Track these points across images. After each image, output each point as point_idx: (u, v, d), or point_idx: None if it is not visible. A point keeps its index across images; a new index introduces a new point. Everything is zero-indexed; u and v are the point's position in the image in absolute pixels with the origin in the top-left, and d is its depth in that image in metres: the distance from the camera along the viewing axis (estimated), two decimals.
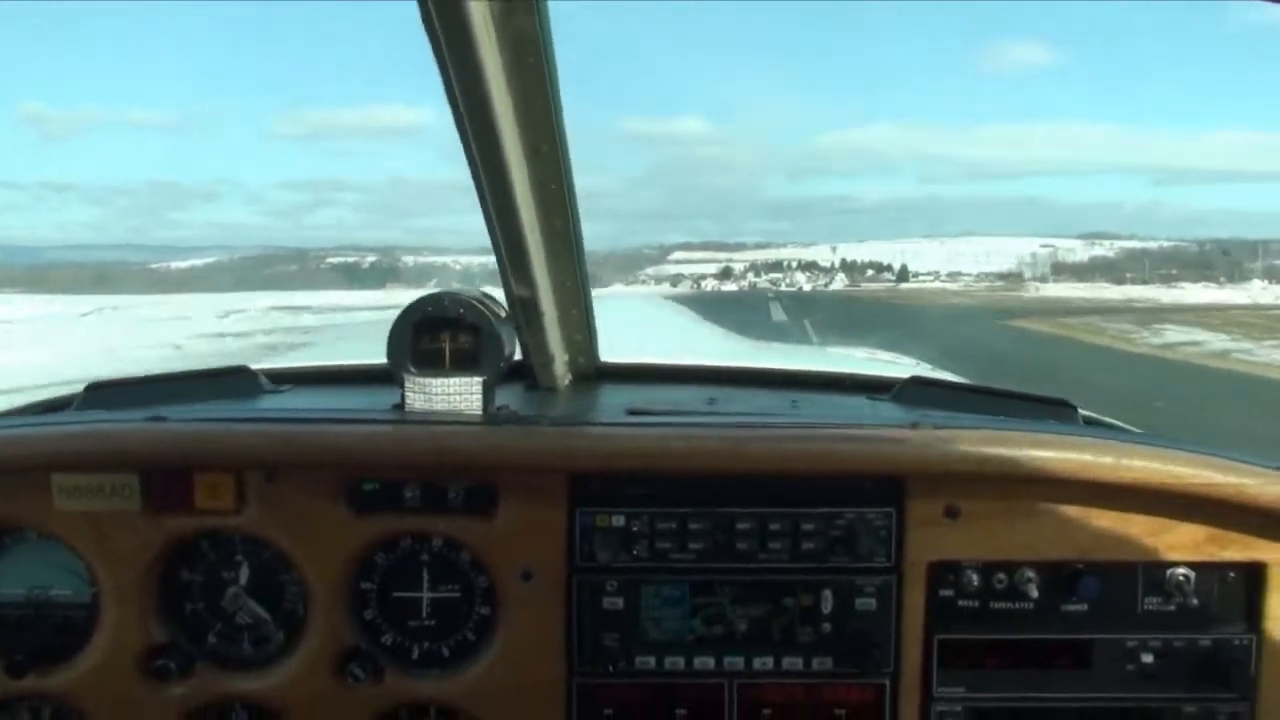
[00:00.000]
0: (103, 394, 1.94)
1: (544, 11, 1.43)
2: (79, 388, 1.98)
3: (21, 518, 1.63)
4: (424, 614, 1.66)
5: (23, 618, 1.65)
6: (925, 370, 2.67)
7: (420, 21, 1.36)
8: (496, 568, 1.62)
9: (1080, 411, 1.89)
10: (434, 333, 1.69)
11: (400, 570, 1.66)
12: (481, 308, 1.69)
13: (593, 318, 2.06)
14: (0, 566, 1.66)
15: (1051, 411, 1.86)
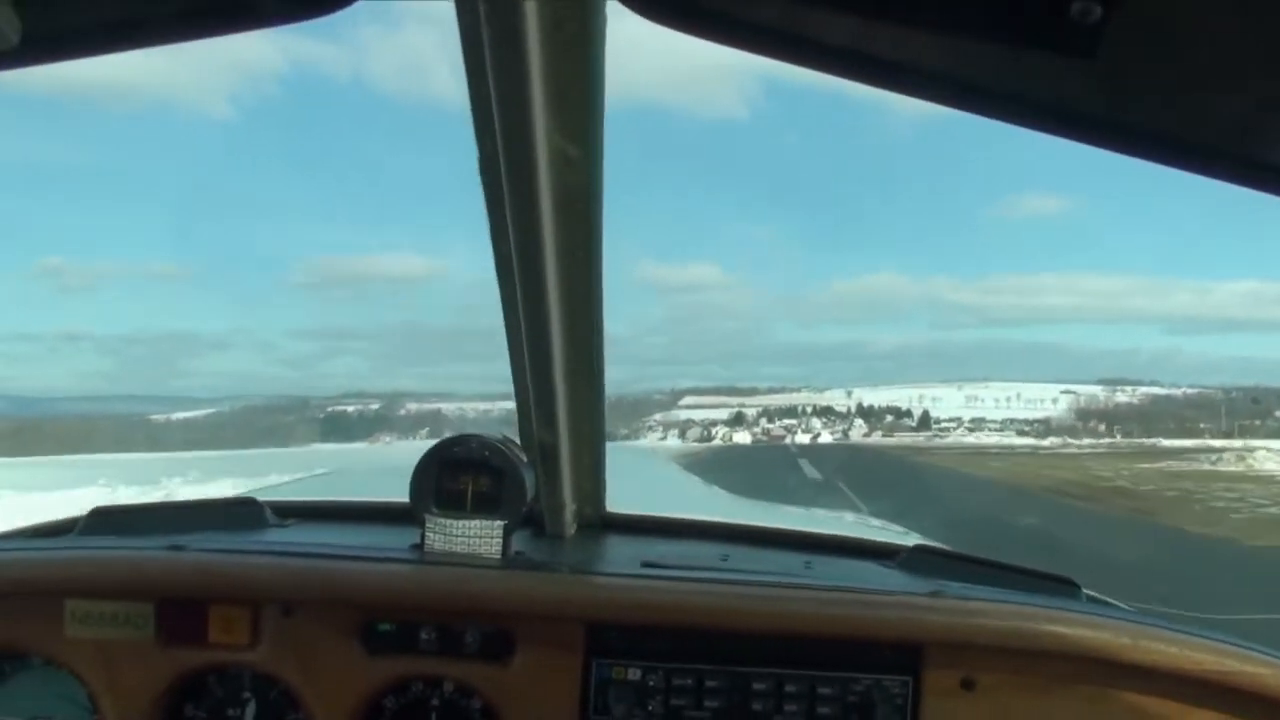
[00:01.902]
0: (108, 519, 1.96)
1: (598, 162, 1.51)
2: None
3: (29, 643, 1.66)
4: None
5: None
6: (915, 538, 2.70)
7: (478, 172, 1.47)
8: (508, 717, 1.64)
9: (1084, 590, 1.92)
10: (457, 474, 1.75)
11: (409, 715, 1.68)
12: (506, 451, 1.76)
13: (604, 465, 2.11)
14: (1, 693, 1.68)
15: (1055, 588, 1.89)
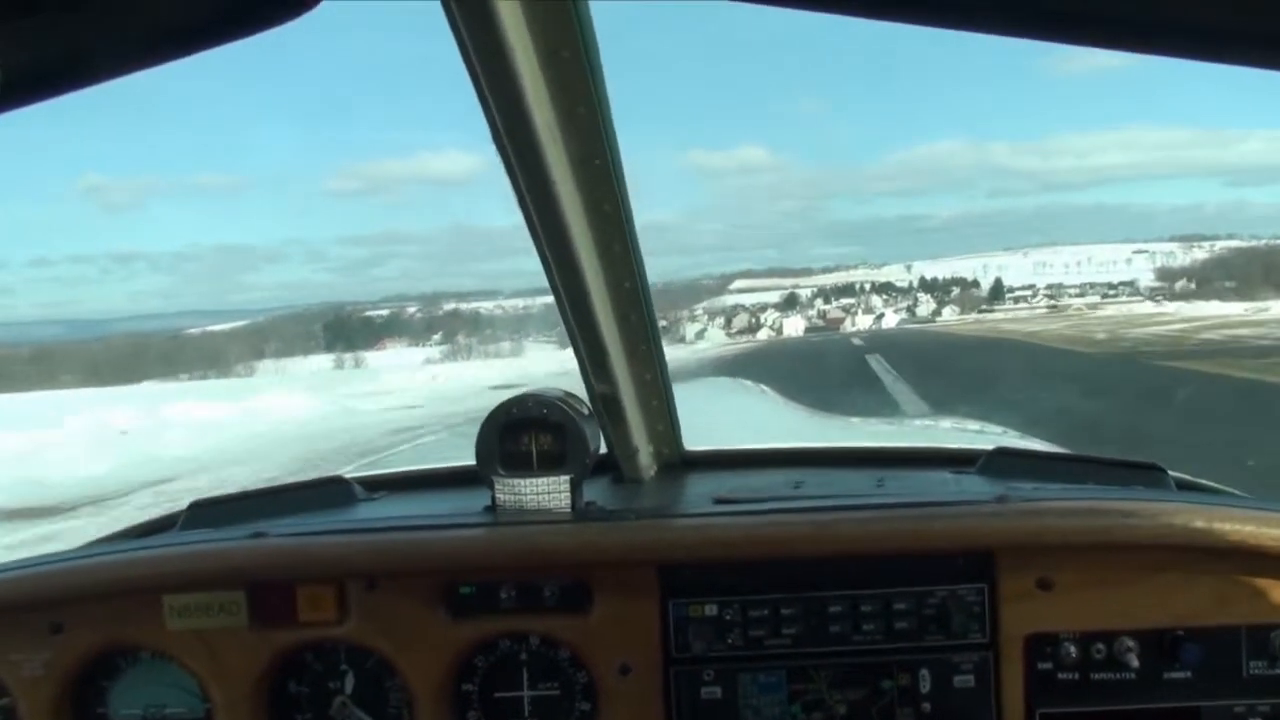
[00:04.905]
0: (206, 512, 2.14)
1: (613, 142, 1.60)
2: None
3: (137, 639, 1.81)
4: (525, 713, 1.81)
5: None
6: (1013, 438, 2.76)
7: (488, 131, 1.52)
8: (594, 663, 1.77)
9: (1171, 474, 1.99)
10: (519, 434, 1.87)
11: (500, 671, 1.82)
12: (564, 407, 1.87)
13: (674, 408, 2.22)
14: (117, 688, 1.85)
15: (1141, 476, 1.96)
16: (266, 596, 1.77)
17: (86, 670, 1.82)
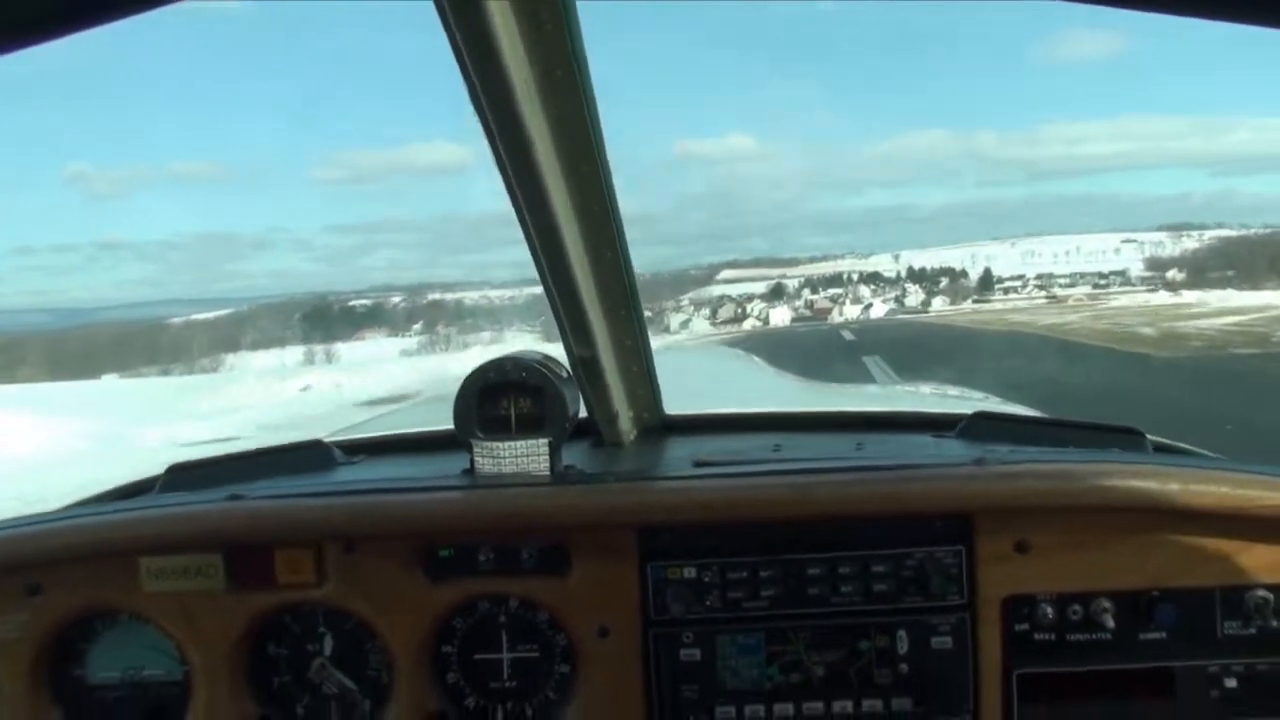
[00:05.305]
0: (184, 475, 2.15)
1: (589, 88, 1.60)
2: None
3: (114, 601, 1.82)
4: (505, 675, 1.83)
5: (120, 699, 1.85)
6: (993, 403, 2.79)
7: (475, 115, 1.54)
8: (573, 625, 1.79)
9: (1149, 438, 2.01)
10: (498, 398, 1.88)
11: (479, 633, 1.83)
12: (543, 370, 1.88)
13: (654, 372, 2.24)
14: (96, 650, 1.86)
15: (1119, 440, 1.99)
16: (244, 559, 1.78)
17: (64, 633, 1.83)
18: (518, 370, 1.88)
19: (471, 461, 1.88)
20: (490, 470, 1.87)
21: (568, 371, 1.98)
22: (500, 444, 1.87)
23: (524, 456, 1.87)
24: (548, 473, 1.87)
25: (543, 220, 1.72)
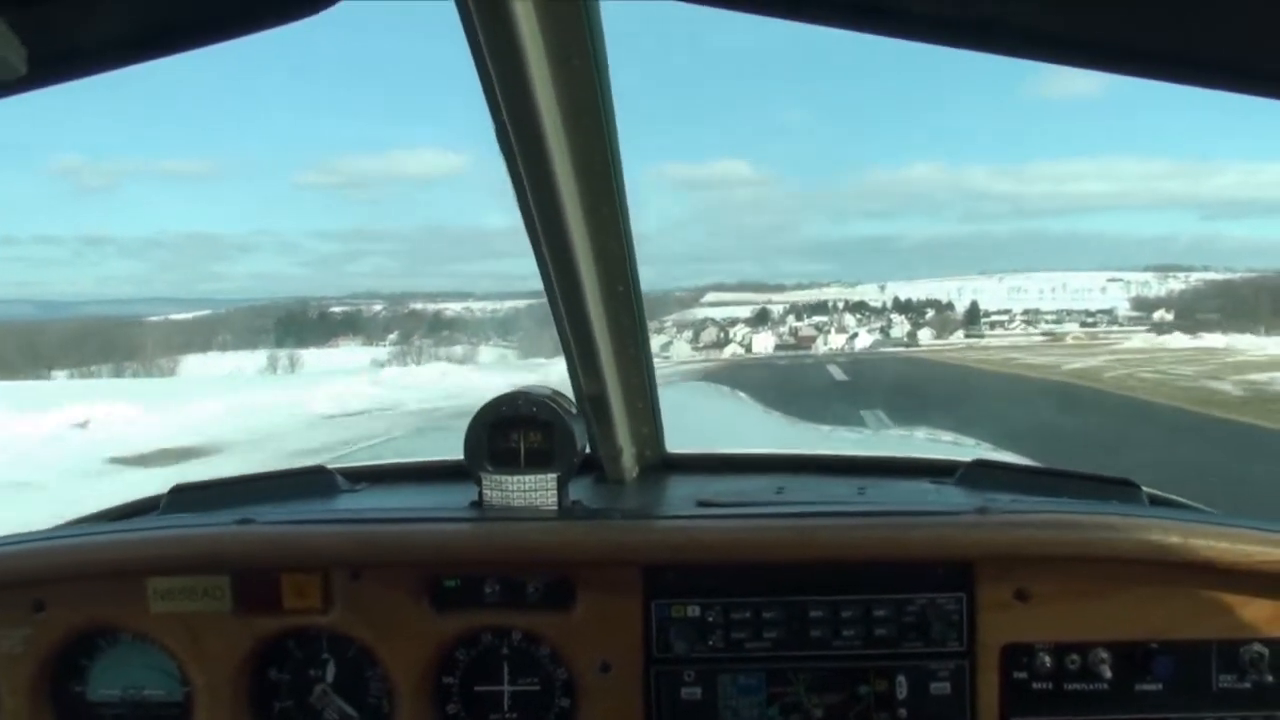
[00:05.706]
0: (188, 496, 2.16)
1: (615, 148, 1.64)
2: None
3: (118, 620, 1.83)
4: (505, 707, 1.84)
5: (119, 717, 1.86)
6: (987, 450, 2.82)
7: (497, 141, 1.57)
8: (575, 660, 1.81)
9: (1145, 490, 2.04)
10: (508, 431, 1.90)
11: (481, 665, 1.85)
12: (554, 406, 1.91)
13: (659, 410, 2.26)
14: (97, 668, 1.86)
15: (1116, 491, 2.02)
16: (251, 583, 1.80)
17: (66, 649, 1.84)
18: (529, 405, 1.90)
19: (480, 494, 1.90)
20: (499, 503, 1.90)
21: (576, 407, 2.01)
22: (509, 477, 1.90)
23: (532, 491, 1.89)
24: (555, 508, 1.89)
25: (562, 259, 1.75)
